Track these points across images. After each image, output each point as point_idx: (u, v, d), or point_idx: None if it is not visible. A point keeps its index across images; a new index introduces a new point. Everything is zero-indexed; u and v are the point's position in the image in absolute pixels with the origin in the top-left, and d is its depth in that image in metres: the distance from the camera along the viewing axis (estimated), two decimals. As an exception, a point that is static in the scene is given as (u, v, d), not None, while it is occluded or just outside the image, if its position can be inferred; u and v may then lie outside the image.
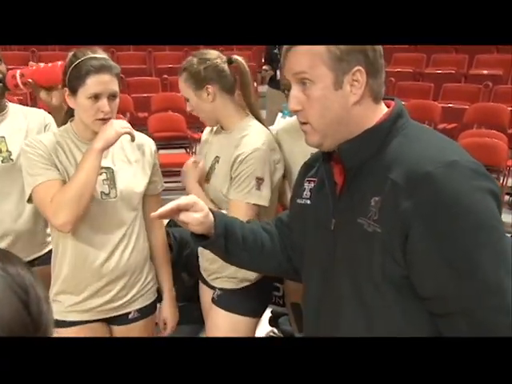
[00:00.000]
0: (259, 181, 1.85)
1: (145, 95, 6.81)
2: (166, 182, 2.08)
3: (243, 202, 1.86)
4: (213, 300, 2.09)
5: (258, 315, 2.12)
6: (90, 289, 1.84)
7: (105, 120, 1.74)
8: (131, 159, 1.88)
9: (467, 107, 6.13)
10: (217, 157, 2.00)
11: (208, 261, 2.07)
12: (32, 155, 1.75)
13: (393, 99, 1.21)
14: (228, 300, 2.05)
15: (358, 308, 1.13)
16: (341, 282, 1.16)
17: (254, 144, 1.87)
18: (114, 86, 1.74)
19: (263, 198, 1.87)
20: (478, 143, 4.99)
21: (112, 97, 1.74)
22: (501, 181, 5.07)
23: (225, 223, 1.36)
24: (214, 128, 2.08)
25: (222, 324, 2.05)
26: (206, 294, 2.17)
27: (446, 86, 6.84)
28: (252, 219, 1.61)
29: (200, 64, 1.92)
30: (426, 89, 6.93)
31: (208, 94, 1.92)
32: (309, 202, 1.31)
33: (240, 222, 1.44)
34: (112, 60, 1.78)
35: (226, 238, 1.36)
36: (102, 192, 1.79)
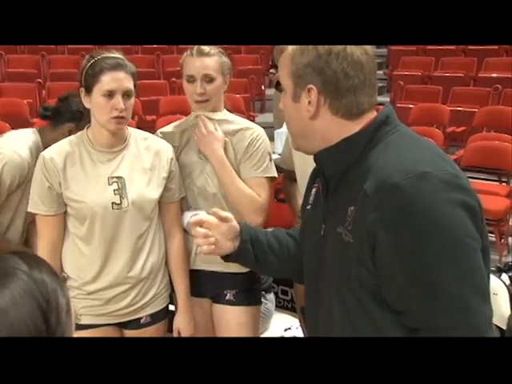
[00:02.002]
0: (270, 156, 2.01)
1: (153, 98, 6.84)
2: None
3: (264, 178, 1.98)
4: (229, 302, 2.04)
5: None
6: (106, 296, 1.84)
7: (119, 118, 1.73)
8: (146, 166, 1.85)
9: (476, 110, 6.10)
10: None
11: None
12: (39, 178, 1.78)
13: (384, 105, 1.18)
14: (247, 294, 2.04)
15: (343, 313, 1.12)
16: (328, 287, 1.16)
17: (254, 125, 2.01)
18: (129, 84, 1.74)
19: (274, 170, 2.03)
20: (487, 146, 4.98)
21: (127, 96, 1.74)
22: (510, 184, 5.04)
23: (248, 231, 1.40)
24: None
25: (245, 320, 2.04)
26: (198, 306, 2.06)
27: (455, 90, 6.80)
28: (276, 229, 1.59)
29: (227, 58, 2.02)
30: (435, 92, 6.89)
31: (226, 83, 2.01)
32: (311, 206, 1.32)
33: (261, 229, 1.47)
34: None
35: (252, 244, 1.38)
36: (113, 203, 1.78)
